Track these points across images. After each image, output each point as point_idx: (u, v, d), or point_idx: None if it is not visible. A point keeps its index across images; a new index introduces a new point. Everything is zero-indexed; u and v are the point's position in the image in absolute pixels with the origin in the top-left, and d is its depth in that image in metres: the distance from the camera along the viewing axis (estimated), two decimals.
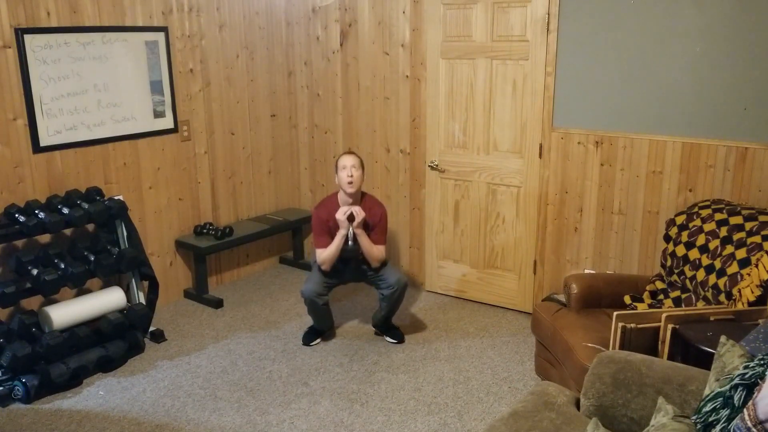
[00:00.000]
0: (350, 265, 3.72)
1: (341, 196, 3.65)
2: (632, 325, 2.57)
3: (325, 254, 3.62)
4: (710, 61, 3.30)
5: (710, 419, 1.74)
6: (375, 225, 3.68)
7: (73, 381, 3.34)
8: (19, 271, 3.35)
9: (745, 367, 1.73)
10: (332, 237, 3.63)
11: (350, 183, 3.56)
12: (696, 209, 3.16)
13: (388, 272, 3.69)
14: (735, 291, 2.73)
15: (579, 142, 3.79)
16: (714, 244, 2.93)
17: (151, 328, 3.89)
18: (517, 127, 3.98)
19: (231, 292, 4.62)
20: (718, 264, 2.86)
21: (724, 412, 1.71)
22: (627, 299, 3.21)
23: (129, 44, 3.90)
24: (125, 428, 3.02)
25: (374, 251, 3.64)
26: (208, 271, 4.59)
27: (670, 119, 3.48)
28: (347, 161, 3.59)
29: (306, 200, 5.13)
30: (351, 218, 3.57)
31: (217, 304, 4.36)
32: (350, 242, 3.60)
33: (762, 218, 2.87)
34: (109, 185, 3.92)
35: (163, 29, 4.07)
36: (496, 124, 4.06)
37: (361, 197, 3.69)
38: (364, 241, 3.61)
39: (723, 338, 1.94)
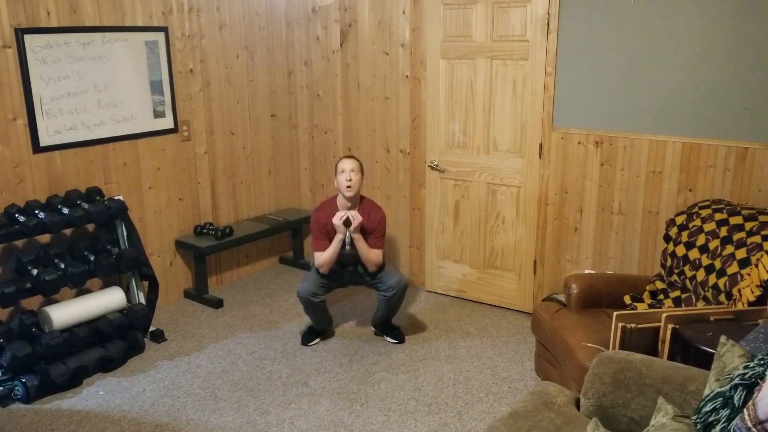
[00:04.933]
0: (348, 269, 3.73)
1: (340, 200, 3.67)
2: (632, 325, 2.57)
3: (322, 258, 3.63)
4: (710, 61, 3.30)
5: (710, 419, 1.74)
6: (373, 229, 3.68)
7: (73, 381, 3.34)
8: (19, 271, 3.35)
9: (745, 367, 1.73)
10: (330, 240, 3.64)
11: (348, 187, 3.57)
12: (696, 209, 3.16)
13: (387, 275, 3.69)
14: (735, 291, 2.73)
15: (579, 142, 3.79)
16: (714, 244, 2.93)
17: (151, 328, 3.89)
18: (517, 127, 3.98)
19: (231, 292, 4.62)
20: (718, 264, 2.86)
21: (724, 412, 1.71)
22: (627, 299, 3.22)
23: (129, 44, 3.90)
24: (125, 428, 3.02)
25: (371, 256, 3.64)
26: (208, 271, 4.59)
27: (670, 119, 3.48)
28: (346, 165, 3.60)
29: (306, 200, 5.13)
30: (348, 223, 3.58)
31: (217, 304, 4.36)
32: (347, 247, 3.62)
33: (762, 218, 2.87)
34: (109, 185, 3.92)
35: (163, 29, 4.07)
36: (496, 124, 4.06)
37: (360, 201, 3.70)
38: (362, 246, 3.61)
39: (723, 338, 1.94)
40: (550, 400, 2.23)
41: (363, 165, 3.73)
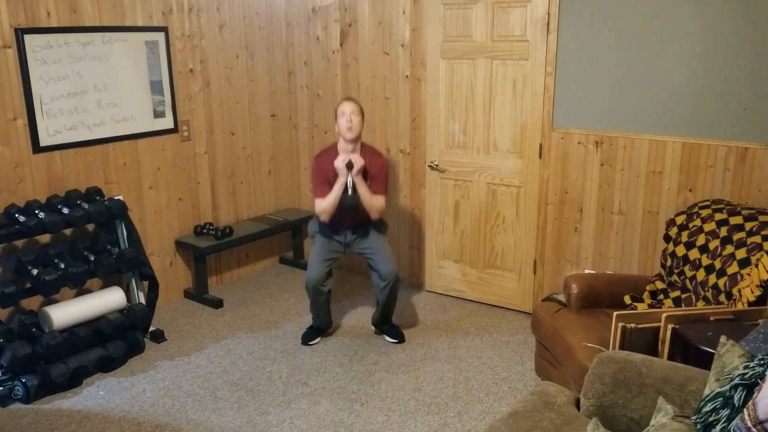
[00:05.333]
0: (350, 216, 3.62)
1: (341, 144, 3.61)
2: (632, 325, 2.57)
3: (324, 204, 3.57)
4: (710, 61, 3.30)
5: (710, 419, 1.74)
6: (375, 174, 3.62)
7: (73, 381, 3.34)
8: (19, 271, 3.35)
9: (745, 367, 1.73)
10: (331, 187, 3.58)
11: (349, 128, 3.52)
12: (696, 209, 3.16)
13: (383, 259, 3.65)
14: (735, 291, 2.73)
15: (579, 142, 3.79)
16: (714, 244, 2.93)
17: (151, 328, 3.89)
18: (517, 127, 3.98)
19: (231, 292, 4.62)
20: (718, 264, 2.86)
21: (724, 412, 1.71)
22: (627, 299, 3.22)
23: (129, 44, 3.90)
24: (125, 428, 3.02)
25: (373, 201, 3.59)
26: (208, 271, 4.59)
27: (670, 119, 3.48)
28: (346, 108, 3.54)
29: (306, 200, 5.13)
30: (350, 166, 3.51)
31: (217, 304, 4.36)
32: (350, 191, 3.54)
33: (762, 218, 2.87)
34: (109, 185, 3.92)
35: (163, 29, 4.07)
36: (496, 124, 4.06)
37: (361, 146, 3.64)
38: (363, 191, 3.55)
39: (723, 338, 1.94)
40: (550, 400, 2.23)
41: (363, 109, 3.67)
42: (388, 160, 3.67)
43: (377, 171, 3.64)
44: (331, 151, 3.66)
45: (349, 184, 3.54)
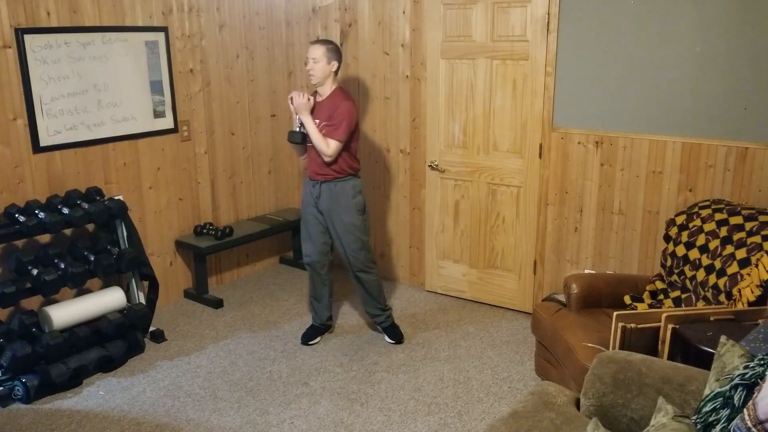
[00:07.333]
0: (311, 160, 3.58)
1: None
2: (632, 325, 2.57)
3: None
4: (710, 61, 3.30)
5: (710, 419, 1.74)
6: (331, 116, 3.51)
7: (73, 381, 3.34)
8: (19, 271, 3.35)
9: (745, 367, 1.74)
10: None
11: (310, 77, 3.52)
12: (696, 209, 3.16)
13: (341, 248, 3.65)
14: (735, 291, 2.73)
15: (579, 142, 3.79)
16: (714, 244, 2.93)
17: (151, 328, 3.89)
18: (517, 127, 3.98)
19: (231, 292, 4.62)
20: (718, 264, 2.86)
21: (724, 412, 1.71)
22: (627, 299, 3.22)
23: (129, 44, 3.90)
24: (125, 428, 3.02)
25: (320, 145, 3.48)
26: (208, 271, 4.59)
27: (670, 119, 3.48)
28: (308, 53, 3.50)
29: None
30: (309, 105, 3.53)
31: (217, 304, 4.36)
32: (297, 127, 3.54)
33: (762, 218, 2.87)
34: (109, 185, 3.92)
35: (163, 29, 4.07)
36: (496, 124, 4.06)
37: (335, 90, 3.55)
38: (311, 130, 3.49)
39: (723, 338, 1.94)
40: (550, 400, 2.23)
41: (333, 49, 3.50)
42: (352, 106, 3.51)
43: (334, 114, 3.49)
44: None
45: (296, 122, 3.54)
